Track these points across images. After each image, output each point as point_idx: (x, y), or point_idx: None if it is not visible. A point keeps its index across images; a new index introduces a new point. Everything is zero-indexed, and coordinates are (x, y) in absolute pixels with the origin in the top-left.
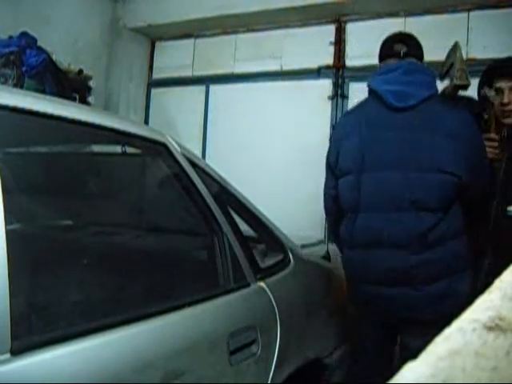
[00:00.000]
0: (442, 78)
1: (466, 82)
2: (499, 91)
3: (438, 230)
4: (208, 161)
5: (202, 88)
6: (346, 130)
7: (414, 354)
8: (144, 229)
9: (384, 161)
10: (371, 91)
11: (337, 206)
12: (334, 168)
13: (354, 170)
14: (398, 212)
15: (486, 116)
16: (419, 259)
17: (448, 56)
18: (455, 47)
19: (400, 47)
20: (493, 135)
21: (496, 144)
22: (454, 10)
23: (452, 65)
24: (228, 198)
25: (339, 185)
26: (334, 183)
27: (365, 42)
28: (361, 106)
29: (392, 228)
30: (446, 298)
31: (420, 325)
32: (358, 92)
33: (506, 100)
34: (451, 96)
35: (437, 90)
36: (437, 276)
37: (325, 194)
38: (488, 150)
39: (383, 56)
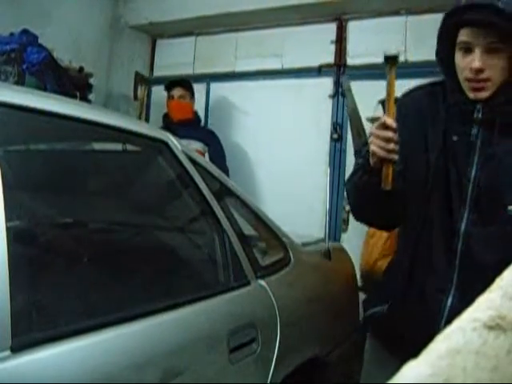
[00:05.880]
0: None
1: None
2: (467, 50)
3: None
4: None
5: (203, 86)
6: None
7: None
8: (144, 226)
9: None
10: None
11: None
12: None
13: None
14: None
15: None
16: None
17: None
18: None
19: None
20: (389, 120)
21: (390, 134)
22: None
23: None
24: (228, 195)
25: None
26: None
27: (366, 41)
28: None
29: None
30: None
31: None
32: (358, 90)
33: (477, 64)
34: None
35: None
36: None
37: None
38: (375, 141)
39: None
